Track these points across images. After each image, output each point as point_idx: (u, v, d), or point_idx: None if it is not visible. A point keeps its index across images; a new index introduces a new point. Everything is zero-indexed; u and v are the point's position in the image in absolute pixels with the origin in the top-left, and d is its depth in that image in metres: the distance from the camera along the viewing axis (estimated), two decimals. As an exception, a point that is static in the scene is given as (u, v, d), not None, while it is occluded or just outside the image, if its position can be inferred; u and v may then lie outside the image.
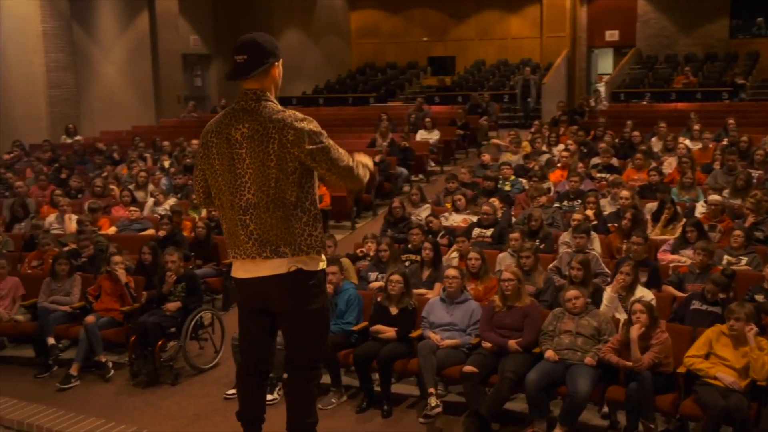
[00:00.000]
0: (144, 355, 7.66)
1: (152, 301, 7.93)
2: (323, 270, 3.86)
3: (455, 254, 8.55)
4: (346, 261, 8.49)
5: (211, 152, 3.72)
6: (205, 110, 22.26)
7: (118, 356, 8.18)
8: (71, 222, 10.45)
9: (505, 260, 8.28)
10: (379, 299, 7.31)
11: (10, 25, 17.65)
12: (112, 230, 10.57)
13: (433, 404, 6.52)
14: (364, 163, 3.80)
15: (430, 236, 8.68)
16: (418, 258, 8.38)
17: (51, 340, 7.89)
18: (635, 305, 6.24)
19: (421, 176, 15.53)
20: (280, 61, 3.76)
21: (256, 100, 3.62)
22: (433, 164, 15.82)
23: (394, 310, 7.18)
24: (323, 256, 3.83)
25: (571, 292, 6.58)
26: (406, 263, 8.62)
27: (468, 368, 6.47)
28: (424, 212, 10.50)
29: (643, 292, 7.08)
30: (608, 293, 7.11)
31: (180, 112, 21.30)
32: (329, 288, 7.36)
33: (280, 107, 3.66)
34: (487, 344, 6.68)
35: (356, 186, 3.76)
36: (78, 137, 17.12)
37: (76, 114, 19.05)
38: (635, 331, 6.08)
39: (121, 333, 7.87)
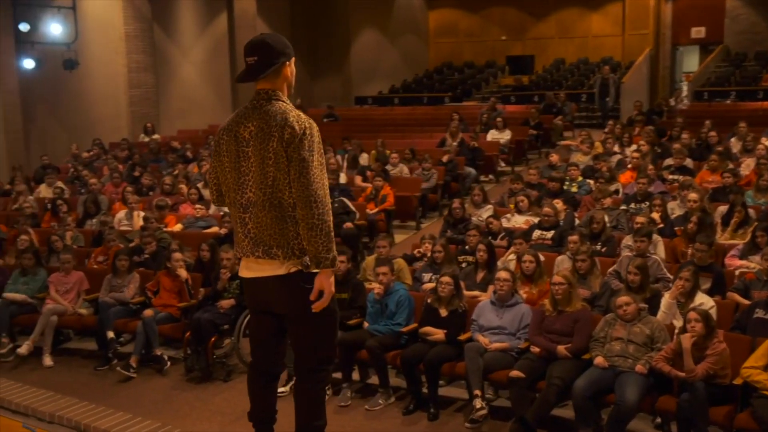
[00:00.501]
0: (198, 351, 7.78)
1: (208, 298, 8.03)
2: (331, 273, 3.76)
3: (512, 256, 8.40)
4: (400, 261, 8.45)
5: (221, 150, 3.74)
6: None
7: (176, 351, 8.31)
8: (139, 219, 10.69)
9: (563, 263, 8.08)
10: (429, 301, 7.24)
11: (94, 27, 18.22)
12: (178, 227, 10.76)
13: (477, 407, 6.43)
14: (329, 243, 3.59)
15: (484, 237, 8.52)
16: (474, 259, 8.25)
17: (110, 334, 8.09)
18: (690, 314, 5.99)
19: (490, 176, 15.35)
20: (292, 60, 3.75)
21: (267, 100, 3.64)
22: (503, 164, 15.61)
23: (443, 312, 7.10)
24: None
25: (623, 298, 6.37)
26: (463, 264, 8.53)
27: (514, 373, 6.34)
28: (485, 213, 10.34)
29: (703, 299, 6.79)
30: (666, 299, 6.85)
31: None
32: (379, 288, 7.34)
33: (289, 107, 3.63)
34: (535, 349, 6.53)
35: (306, 217, 3.50)
36: (155, 136, 17.54)
37: (155, 113, 19.54)
38: (688, 341, 5.84)
39: (178, 329, 8.00)
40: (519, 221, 10.06)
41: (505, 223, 10.03)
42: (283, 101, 3.66)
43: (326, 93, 24.86)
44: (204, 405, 7.18)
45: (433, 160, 13.37)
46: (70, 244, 9.89)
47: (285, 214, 3.55)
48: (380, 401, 7.05)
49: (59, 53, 16.53)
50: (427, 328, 7.05)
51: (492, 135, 16.06)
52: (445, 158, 13.78)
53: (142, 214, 10.86)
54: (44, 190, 12.92)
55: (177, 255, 8.30)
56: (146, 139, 17.17)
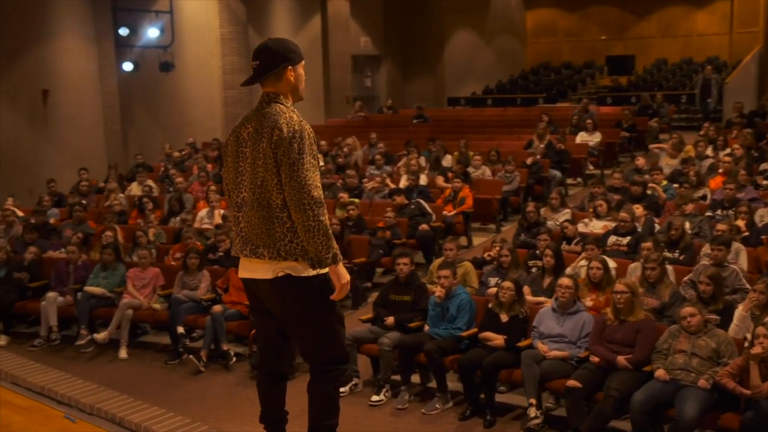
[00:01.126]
0: (264, 349, 7.88)
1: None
2: (324, 275, 3.72)
3: (584, 262, 8.18)
4: (467, 265, 8.37)
5: (227, 150, 3.83)
6: (372, 110, 22.64)
7: (245, 348, 8.47)
8: (218, 217, 10.94)
9: (636, 271, 7.79)
10: (490, 305, 7.13)
11: (190, 30, 18.78)
12: (258, 226, 10.94)
13: (531, 416, 6.31)
14: (328, 242, 3.57)
15: (555, 242, 8.33)
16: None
17: (180, 329, 8.31)
18: (759, 328, 5.69)
19: (578, 180, 15.02)
20: (299, 64, 3.81)
21: (267, 102, 3.70)
22: (591, 167, 15.24)
23: (504, 318, 6.98)
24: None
25: (687, 309, 6.10)
26: (532, 269, 8.37)
27: (571, 382, 6.17)
28: (562, 217, 10.12)
29: (781, 312, 6.44)
30: (739, 312, 6.53)
31: (348, 113, 21.81)
32: (440, 291, 7.28)
33: (285, 109, 3.66)
34: (594, 358, 6.33)
35: (301, 220, 3.49)
36: (247, 136, 17.90)
37: (248, 114, 19.93)
38: (755, 356, 5.54)
39: (245, 326, 8.14)
40: (597, 226, 9.79)
41: (582, 228, 9.79)
42: (282, 104, 3.70)
43: (419, 94, 24.85)
44: (264, 402, 7.27)
45: (516, 163, 13.17)
46: (153, 241, 10.21)
47: (272, 214, 3.57)
48: (437, 405, 6.98)
49: (156, 56, 17.09)
50: (487, 334, 6.94)
51: (581, 137, 15.69)
52: (529, 160, 13.56)
53: (222, 212, 11.10)
54: (135, 188, 13.39)
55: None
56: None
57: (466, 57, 26.11)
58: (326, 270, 3.66)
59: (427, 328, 7.30)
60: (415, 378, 7.48)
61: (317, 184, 3.53)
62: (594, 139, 15.55)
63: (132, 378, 7.99)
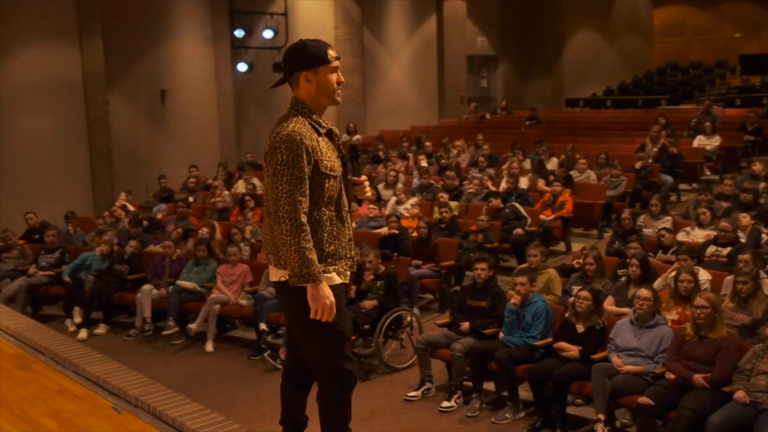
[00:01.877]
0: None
1: (353, 298, 8.15)
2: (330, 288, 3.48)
3: (674, 273, 7.78)
4: (551, 272, 8.13)
5: None
6: (487, 111, 22.36)
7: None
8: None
9: (730, 284, 7.36)
10: (566, 315, 6.89)
11: (305, 31, 19.07)
12: (353, 226, 11.01)
13: (598, 430, 6.03)
14: (300, 259, 3.35)
15: (641, 251, 7.95)
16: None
17: (262, 326, 8.45)
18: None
19: (694, 185, 14.31)
20: (317, 69, 3.55)
21: (290, 108, 3.61)
22: (708, 172, 14.50)
23: (580, 328, 6.74)
24: (331, 274, 3.51)
25: (773, 328, 5.70)
26: (622, 278, 8.03)
27: (643, 399, 5.87)
28: (662, 225, 9.66)
29: None
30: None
31: (462, 114, 21.66)
32: (516, 299, 7.10)
33: (296, 118, 3.53)
34: (670, 375, 6.00)
35: (276, 232, 3.39)
36: (357, 136, 18.08)
37: (361, 113, 20.15)
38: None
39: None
40: (699, 235, 9.30)
41: (683, 237, 9.35)
42: (297, 110, 3.57)
43: (536, 95, 24.40)
44: (335, 402, 7.30)
45: (623, 167, 12.69)
46: (248, 238, 10.44)
47: (273, 222, 3.50)
48: (507, 415, 6.81)
49: (270, 57, 17.49)
50: (561, 344, 6.71)
51: (699, 141, 14.96)
52: (637, 165, 13.04)
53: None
54: (241, 186, 13.73)
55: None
56: (347, 139, 17.74)
57: (587, 57, 25.41)
58: (331, 284, 3.49)
59: (501, 335, 7.13)
60: (490, 386, 7.33)
61: (294, 200, 3.37)
62: (712, 143, 14.79)
63: (213, 371, 8.22)
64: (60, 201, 12.72)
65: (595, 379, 6.21)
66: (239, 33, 17.03)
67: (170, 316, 9.03)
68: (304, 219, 3.38)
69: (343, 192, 3.65)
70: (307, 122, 3.54)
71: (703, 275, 7.42)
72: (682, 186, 13.95)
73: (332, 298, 3.41)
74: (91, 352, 5.23)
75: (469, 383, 7.18)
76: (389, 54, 21.40)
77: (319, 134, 3.57)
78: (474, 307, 7.48)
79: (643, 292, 6.48)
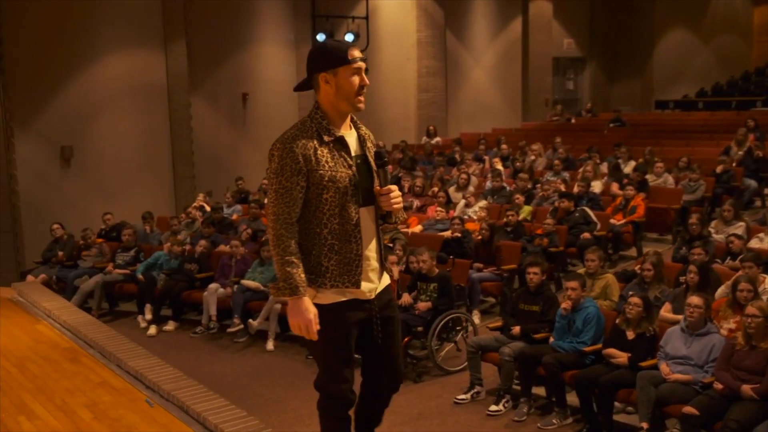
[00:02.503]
0: (395, 350, 7.98)
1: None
2: (324, 306, 3.41)
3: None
4: (609, 277, 8.00)
5: None
6: (571, 114, 22.04)
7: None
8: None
9: (796, 293, 7.08)
10: (617, 321, 6.77)
11: (387, 34, 19.29)
12: (418, 228, 11.08)
13: (642, 441, 5.92)
14: (284, 271, 3.30)
15: (704, 256, 7.73)
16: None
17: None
18: None
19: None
20: (337, 70, 3.41)
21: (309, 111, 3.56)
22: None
23: (630, 335, 6.61)
24: (327, 290, 3.42)
25: (829, 340, 5.47)
26: (683, 285, 7.82)
27: (687, 409, 5.72)
28: (734, 230, 9.35)
29: None
30: None
31: (546, 116, 21.40)
32: (567, 304, 7.02)
33: (300, 124, 3.50)
34: (718, 385, 5.83)
35: (269, 237, 3.38)
36: (437, 138, 18.10)
37: (443, 116, 20.18)
38: None
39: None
40: (772, 242, 8.97)
41: (755, 244, 9.04)
42: (313, 116, 3.49)
43: (625, 97, 23.88)
44: (384, 402, 7.38)
45: (701, 171, 12.32)
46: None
47: None
48: (554, 421, 6.73)
49: (352, 60, 17.69)
50: (610, 350, 6.59)
51: (790, 144, 14.37)
52: (718, 169, 12.63)
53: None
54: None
55: (392, 257, 8.58)
56: (427, 141, 17.80)
57: (679, 57, 24.72)
58: (328, 301, 3.41)
59: (552, 340, 7.06)
60: (542, 391, 7.26)
61: (280, 211, 3.32)
62: (804, 146, 14.18)
63: (271, 369, 8.41)
64: (142, 201, 13.21)
65: (639, 387, 6.08)
66: (320, 36, 17.29)
67: (235, 314, 9.28)
68: (286, 230, 3.30)
69: (350, 204, 3.42)
70: (312, 128, 3.44)
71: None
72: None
73: (312, 315, 3.29)
74: (136, 347, 5.46)
75: (519, 387, 7.14)
76: (472, 56, 21.34)
77: (322, 142, 3.42)
78: (526, 311, 7.43)
79: (694, 299, 6.31)
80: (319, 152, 3.39)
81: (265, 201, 3.12)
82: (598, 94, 24.09)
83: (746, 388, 5.65)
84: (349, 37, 17.56)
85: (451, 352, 8.40)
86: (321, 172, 3.36)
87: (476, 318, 9.14)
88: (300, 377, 8.13)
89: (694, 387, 6.02)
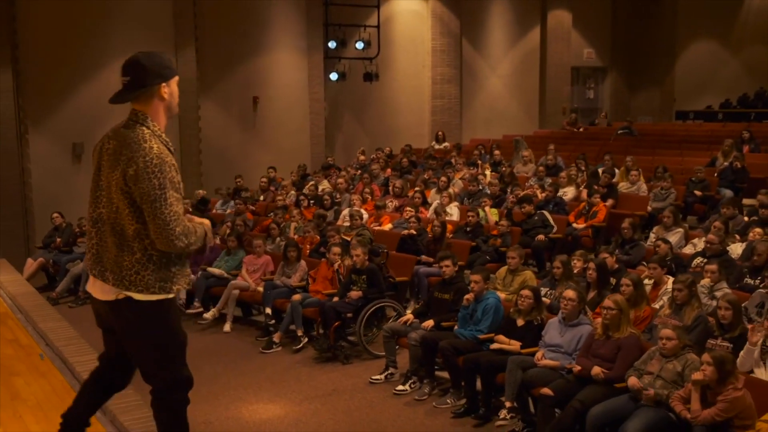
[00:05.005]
0: (326, 335, 8.72)
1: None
2: (166, 300, 3.58)
3: (647, 280, 8.05)
4: (527, 273, 8.63)
5: (93, 159, 3.73)
6: (586, 123, 22.36)
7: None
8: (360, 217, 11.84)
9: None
10: (510, 311, 7.37)
11: (402, 42, 20.00)
12: (388, 227, 11.75)
13: (501, 416, 6.52)
14: (194, 230, 3.56)
15: (599, 258, 8.25)
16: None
17: (268, 310, 9.38)
18: (704, 356, 5.52)
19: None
20: (172, 80, 3.60)
21: (134, 122, 3.55)
22: (778, 189, 14.10)
23: (520, 323, 7.20)
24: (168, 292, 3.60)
25: (664, 331, 5.98)
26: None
27: (544, 390, 6.30)
28: (673, 237, 9.79)
29: (795, 348, 6.05)
30: (748, 345, 6.22)
31: (562, 124, 21.78)
32: (469, 295, 7.63)
33: (149, 135, 3.49)
34: (576, 367, 6.37)
35: (173, 251, 3.53)
36: (445, 143, 18.71)
37: (456, 122, 20.78)
38: (695, 382, 5.43)
39: (317, 312, 8.98)
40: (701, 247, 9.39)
41: (689, 249, 9.50)
42: (148, 126, 3.52)
43: (644, 107, 24.05)
44: (305, 380, 8.13)
45: (674, 180, 12.71)
46: (286, 232, 11.38)
47: (124, 243, 3.52)
48: (448, 401, 7.36)
49: (362, 67, 18.48)
50: (499, 336, 7.19)
51: (775, 156, 14.60)
52: (695, 178, 12.98)
53: (364, 213, 12.00)
54: (309, 187, 14.73)
55: (336, 249, 9.31)
56: (436, 147, 18.42)
57: (705, 68, 24.76)
58: (171, 296, 3.59)
59: (456, 327, 7.67)
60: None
61: (180, 216, 3.45)
62: (791, 158, 14.39)
63: (219, 348, 9.23)
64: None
65: (508, 370, 6.68)
66: (332, 44, 18.10)
67: (196, 298, 10.12)
68: (185, 229, 3.51)
69: None
70: (159, 139, 3.52)
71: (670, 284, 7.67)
72: (748, 201, 13.67)
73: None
74: (53, 314, 6.28)
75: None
76: (488, 65, 21.87)
77: (171, 152, 3.55)
78: (439, 299, 8.08)
79: (568, 293, 6.87)
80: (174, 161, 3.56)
81: (107, 204, 3.34)
82: (618, 104, 24.32)
83: (596, 369, 6.20)
84: (359, 46, 18.33)
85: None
86: (178, 180, 3.54)
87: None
88: (243, 356, 8.93)
89: (560, 372, 6.59)
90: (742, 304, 7.18)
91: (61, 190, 14.04)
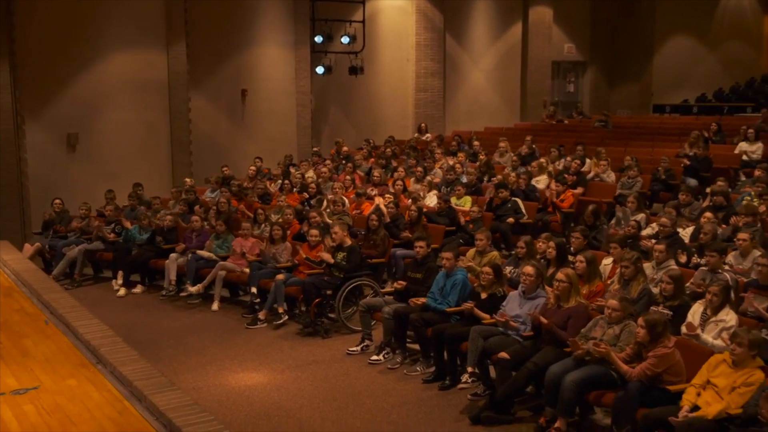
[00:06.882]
0: (308, 311, 9.37)
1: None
2: None
3: (609, 260, 8.71)
4: (494, 254, 9.26)
5: None
6: (565, 116, 23.01)
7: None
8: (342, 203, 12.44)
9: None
10: (475, 286, 8.03)
11: (389, 37, 20.63)
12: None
13: (463, 380, 7.21)
14: None
15: (559, 239, 8.93)
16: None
17: (253, 289, 10.02)
18: (639, 319, 6.20)
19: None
20: None
21: None
22: (744, 177, 14.80)
23: (484, 296, 7.86)
24: None
25: (610, 302, 6.67)
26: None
27: (501, 354, 6.97)
28: (635, 220, 10.46)
29: (728, 316, 6.72)
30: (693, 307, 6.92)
31: (541, 116, 22.44)
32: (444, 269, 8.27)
33: None
34: (535, 313, 7.04)
35: None
36: (428, 135, 19.35)
37: (440, 115, 21.43)
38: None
39: (299, 291, 9.61)
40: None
41: (648, 231, 10.17)
42: None
43: (624, 100, 24.75)
44: (287, 351, 8.79)
45: (640, 168, 13.41)
46: (269, 217, 11.96)
47: None
48: (418, 368, 8.03)
49: (348, 60, 19.10)
50: (466, 305, 7.76)
51: (740, 147, 15.29)
52: (660, 168, 13.67)
53: (345, 200, 12.61)
54: (295, 175, 15.34)
55: (314, 231, 9.96)
56: (419, 138, 19.06)
57: (682, 63, 25.50)
58: None
59: (426, 301, 8.30)
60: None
61: None
62: (753, 149, 15.10)
63: (207, 324, 9.87)
64: (143, 184, 14.69)
65: (471, 339, 7.35)
66: (319, 39, 18.71)
67: (188, 279, 10.76)
68: None
69: None
70: None
71: (606, 261, 8.35)
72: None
73: None
74: (55, 287, 6.90)
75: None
76: (471, 59, 22.51)
77: None
78: (412, 278, 8.74)
79: (527, 269, 7.54)
80: None
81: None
82: (597, 97, 25.01)
83: (544, 320, 6.89)
84: (344, 40, 18.95)
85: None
86: None
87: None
88: (229, 331, 9.58)
89: (516, 338, 7.26)
90: (689, 282, 7.91)
91: (56, 178, 14.62)
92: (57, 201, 12.96)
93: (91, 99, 15.35)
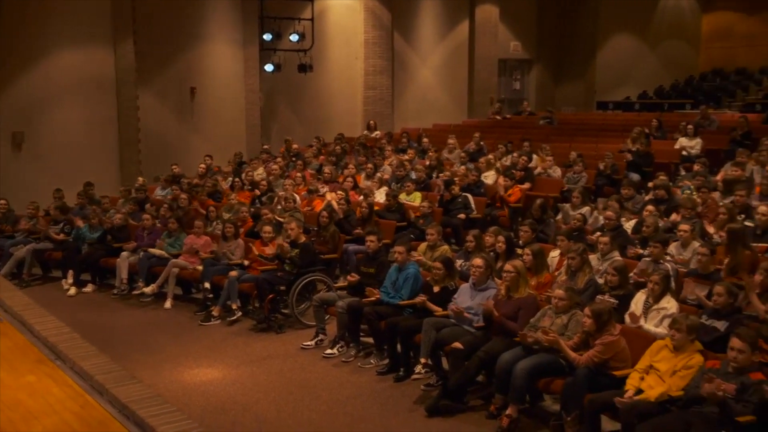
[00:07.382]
0: (262, 307, 9.45)
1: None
2: None
3: (556, 252, 8.96)
4: (445, 248, 9.47)
5: None
6: (510, 112, 23.37)
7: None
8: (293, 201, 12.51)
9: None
10: (428, 279, 8.20)
11: (337, 35, 20.75)
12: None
13: (417, 371, 7.39)
14: None
15: (507, 232, 9.18)
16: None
17: (206, 285, 10.05)
18: (585, 309, 6.44)
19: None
20: None
21: None
22: (684, 172, 15.27)
23: (436, 289, 8.03)
24: None
25: (557, 292, 6.91)
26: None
27: (455, 344, 7.15)
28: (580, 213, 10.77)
29: (669, 304, 6.99)
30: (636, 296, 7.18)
31: (487, 113, 22.76)
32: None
33: None
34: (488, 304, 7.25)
35: None
36: (376, 132, 19.51)
37: (388, 112, 21.62)
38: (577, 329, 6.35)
39: (252, 287, 9.68)
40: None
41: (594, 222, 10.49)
42: None
43: (569, 97, 25.23)
44: (242, 347, 8.87)
45: (585, 163, 13.76)
46: (221, 215, 12.00)
47: None
48: (372, 361, 8.18)
49: (297, 58, 19.15)
50: (428, 303, 7.94)
51: (680, 142, 15.76)
52: (602, 165, 14.02)
53: (296, 197, 12.69)
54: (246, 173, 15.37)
55: (267, 228, 10.03)
56: (368, 135, 19.20)
57: (624, 61, 26.08)
58: None
59: (379, 294, 8.45)
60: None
61: None
62: (693, 144, 15.57)
63: (160, 322, 9.89)
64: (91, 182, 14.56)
65: (424, 330, 7.52)
66: (267, 37, 18.73)
67: (140, 278, 10.74)
68: None
69: None
70: None
71: (554, 253, 8.61)
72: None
73: None
74: (8, 285, 6.86)
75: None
76: (419, 57, 22.73)
77: None
78: (365, 272, 8.88)
79: (477, 261, 7.74)
80: None
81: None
82: (543, 95, 25.45)
83: (489, 303, 7.13)
84: (293, 38, 19.00)
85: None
86: None
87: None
88: (183, 329, 9.61)
89: (468, 329, 7.45)
90: (633, 272, 8.18)
91: (1, 178, 14.41)
92: (2, 201, 12.79)
93: (37, 97, 15.18)
